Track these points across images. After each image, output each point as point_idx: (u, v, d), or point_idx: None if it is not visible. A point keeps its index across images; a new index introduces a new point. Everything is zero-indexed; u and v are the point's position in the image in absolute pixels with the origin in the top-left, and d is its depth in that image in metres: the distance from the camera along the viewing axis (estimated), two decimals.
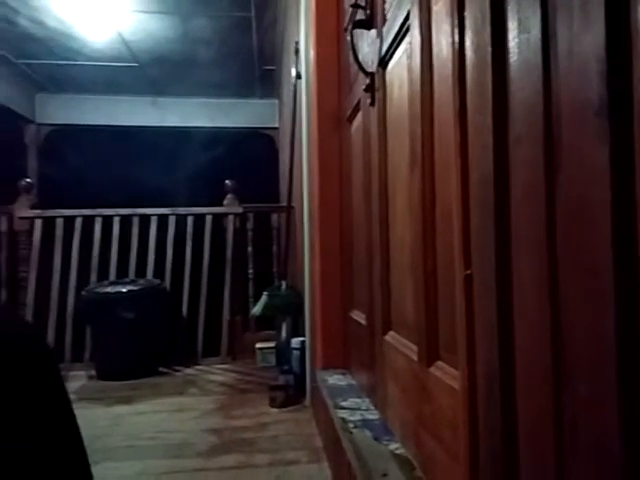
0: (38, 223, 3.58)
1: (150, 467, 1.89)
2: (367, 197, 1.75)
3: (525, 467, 0.56)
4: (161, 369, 3.26)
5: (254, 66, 5.50)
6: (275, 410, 2.45)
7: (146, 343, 3.17)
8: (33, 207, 3.65)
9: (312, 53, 2.35)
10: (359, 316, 1.93)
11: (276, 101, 6.25)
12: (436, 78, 1.13)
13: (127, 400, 2.69)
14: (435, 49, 1.12)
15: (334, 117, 2.27)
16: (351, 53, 1.75)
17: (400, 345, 1.39)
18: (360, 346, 1.91)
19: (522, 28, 0.57)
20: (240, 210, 3.79)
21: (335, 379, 2.06)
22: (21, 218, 3.56)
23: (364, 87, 1.69)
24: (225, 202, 3.82)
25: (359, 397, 1.81)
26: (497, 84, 0.60)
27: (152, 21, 4.37)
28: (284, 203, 4.60)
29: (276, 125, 6.34)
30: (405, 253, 1.33)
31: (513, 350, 0.57)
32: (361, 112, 1.86)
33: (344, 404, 1.75)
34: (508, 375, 0.57)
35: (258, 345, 3.37)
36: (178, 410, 2.55)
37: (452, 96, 0.72)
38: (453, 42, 0.71)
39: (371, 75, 1.65)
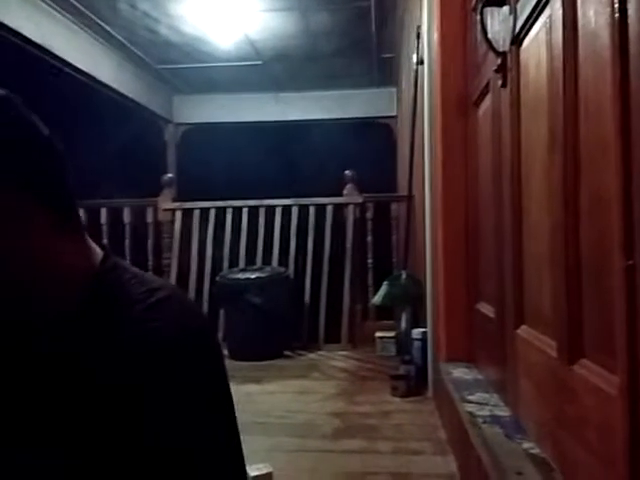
0: (178, 214, 3.94)
1: (280, 444, 2.00)
2: (497, 184, 1.67)
3: None
4: (286, 352, 3.42)
5: (372, 55, 5.49)
6: (397, 399, 2.45)
7: (272, 327, 3.34)
8: (174, 200, 4.03)
9: (435, 36, 2.28)
10: (487, 309, 1.86)
11: (394, 89, 6.17)
12: (581, 54, 1.04)
13: (257, 380, 2.87)
14: (580, 22, 1.03)
15: (459, 102, 2.18)
16: (480, 33, 1.67)
17: (535, 340, 1.31)
18: (488, 340, 1.84)
19: None
20: (360, 200, 3.82)
21: (460, 372, 2.01)
22: (164, 210, 3.95)
23: (495, 68, 1.60)
24: (345, 192, 3.87)
25: (487, 392, 1.75)
26: None
27: (275, 19, 4.54)
28: (402, 192, 4.55)
29: (394, 113, 6.26)
30: (542, 242, 1.24)
31: None
32: (490, 94, 1.77)
33: (471, 398, 1.70)
34: None
35: (378, 334, 3.39)
36: (303, 392, 2.67)
37: (610, 73, 0.66)
38: (612, 12, 0.64)
39: (503, 55, 1.56)
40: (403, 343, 3.06)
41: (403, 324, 3.09)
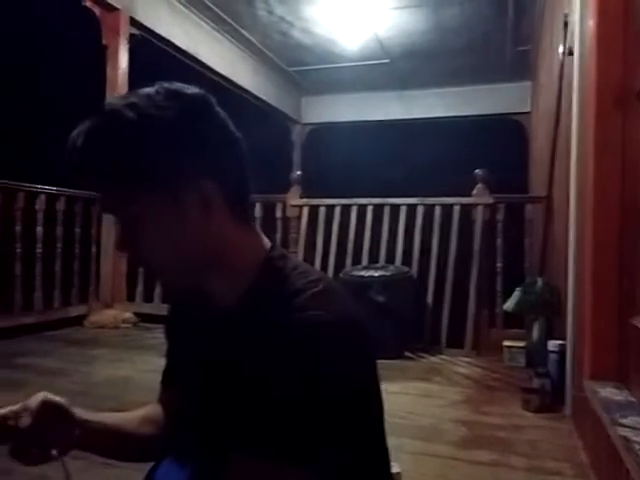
0: (305, 210, 4.07)
1: (404, 445, 1.97)
2: None
3: None
4: (407, 354, 3.37)
5: (505, 49, 5.21)
6: (529, 414, 2.30)
7: (394, 326, 3.31)
8: (301, 196, 4.18)
9: (590, 23, 2.09)
10: None
11: (528, 83, 5.79)
12: None
13: None
14: None
15: (616, 94, 1.97)
16: None
17: None
18: None
19: None
20: (490, 200, 3.64)
21: (608, 392, 1.82)
22: (292, 206, 4.11)
23: None
24: (474, 192, 3.72)
25: None
26: None
27: (404, 16, 4.50)
28: (535, 192, 4.26)
29: (527, 109, 5.88)
30: None
31: None
32: None
33: (624, 422, 1.53)
34: None
35: (506, 343, 3.20)
36: (425, 395, 2.61)
37: None
38: None
39: None
40: (534, 354, 2.87)
41: (535, 334, 2.90)
